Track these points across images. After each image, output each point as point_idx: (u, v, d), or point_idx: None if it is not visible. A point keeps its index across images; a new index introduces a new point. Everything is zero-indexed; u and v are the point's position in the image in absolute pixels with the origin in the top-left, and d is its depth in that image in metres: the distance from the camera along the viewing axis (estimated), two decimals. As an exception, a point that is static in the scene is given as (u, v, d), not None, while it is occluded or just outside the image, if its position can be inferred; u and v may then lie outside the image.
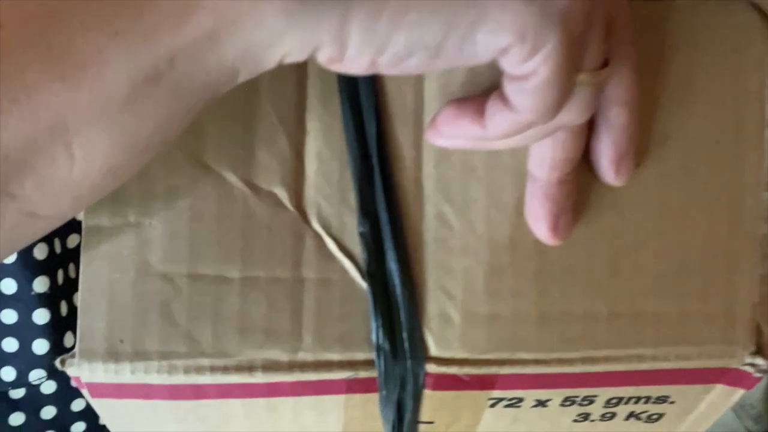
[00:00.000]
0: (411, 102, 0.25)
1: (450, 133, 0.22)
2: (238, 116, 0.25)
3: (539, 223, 0.24)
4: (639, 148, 0.24)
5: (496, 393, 0.27)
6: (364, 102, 0.25)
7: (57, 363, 0.24)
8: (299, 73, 0.25)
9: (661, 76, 0.25)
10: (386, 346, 0.25)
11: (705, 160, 0.25)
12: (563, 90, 0.18)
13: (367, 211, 0.25)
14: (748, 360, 0.26)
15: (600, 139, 0.23)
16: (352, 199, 0.25)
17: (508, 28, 0.17)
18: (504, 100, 0.19)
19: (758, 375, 0.26)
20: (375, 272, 0.25)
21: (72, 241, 0.42)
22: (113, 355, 0.24)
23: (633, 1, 0.24)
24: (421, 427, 0.29)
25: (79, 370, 0.24)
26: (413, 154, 0.25)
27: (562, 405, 0.28)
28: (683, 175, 0.25)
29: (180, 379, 0.24)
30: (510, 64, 0.18)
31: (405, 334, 0.25)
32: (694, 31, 0.25)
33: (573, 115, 0.20)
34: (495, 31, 0.17)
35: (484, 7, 0.17)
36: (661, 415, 0.29)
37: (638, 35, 0.24)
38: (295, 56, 0.18)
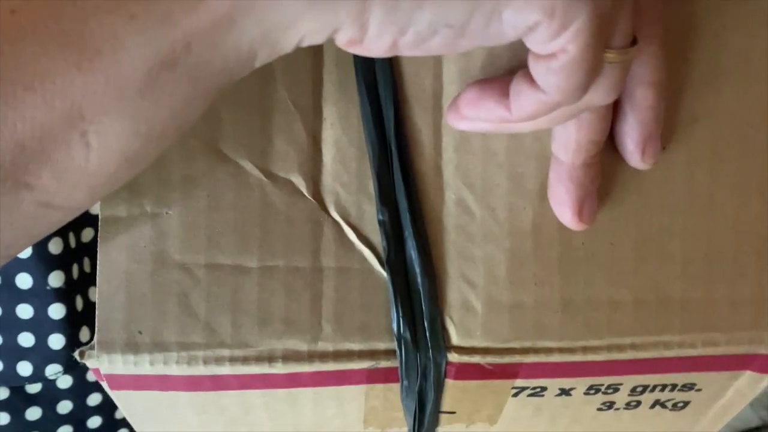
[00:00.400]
0: (430, 86, 0.24)
1: (472, 116, 0.22)
2: (254, 104, 0.24)
3: (563, 208, 0.23)
4: (666, 131, 0.24)
5: (520, 382, 0.26)
6: (382, 87, 0.24)
7: (76, 355, 0.23)
8: (315, 59, 0.24)
9: (690, 56, 0.24)
10: (407, 335, 0.24)
11: (734, 142, 0.24)
12: (592, 68, 0.18)
13: (386, 198, 0.24)
14: (779, 346, 0.25)
15: (626, 121, 0.22)
16: (371, 186, 0.25)
17: (537, 4, 0.16)
18: (530, 80, 0.19)
19: (788, 361, 0.26)
20: (395, 261, 0.24)
21: (86, 235, 0.42)
22: (132, 347, 0.24)
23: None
24: (443, 417, 0.28)
25: (98, 362, 0.24)
26: (432, 140, 0.25)
27: (587, 394, 0.27)
28: (711, 158, 0.24)
29: (199, 370, 0.24)
30: (537, 42, 0.17)
31: (426, 324, 0.25)
32: (723, 10, 0.24)
33: (600, 95, 0.20)
34: (522, 7, 0.16)
35: None
36: (687, 403, 0.29)
37: (666, 14, 0.24)
38: (314, 38, 0.18)
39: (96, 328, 0.24)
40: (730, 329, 0.25)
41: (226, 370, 0.24)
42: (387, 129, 0.24)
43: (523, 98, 0.19)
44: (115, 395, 0.26)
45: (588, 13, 0.17)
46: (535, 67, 0.18)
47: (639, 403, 0.29)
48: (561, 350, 0.25)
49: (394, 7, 0.17)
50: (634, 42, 0.20)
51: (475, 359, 0.25)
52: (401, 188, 0.24)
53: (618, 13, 0.18)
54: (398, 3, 0.17)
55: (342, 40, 0.18)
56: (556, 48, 0.17)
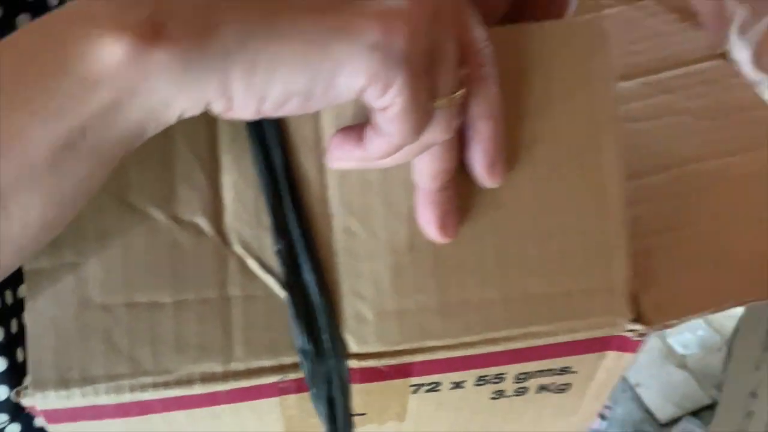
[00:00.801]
0: (311, 132, 0.28)
1: (341, 157, 0.25)
2: (158, 158, 0.28)
3: (429, 226, 0.27)
4: (511, 153, 0.28)
5: (415, 380, 0.30)
6: (270, 135, 0.28)
7: (12, 395, 0.26)
8: (209, 114, 0.28)
9: (524, 91, 0.29)
10: (309, 348, 0.28)
11: (569, 158, 0.29)
12: (420, 116, 0.22)
13: (281, 231, 0.28)
14: (629, 327, 0.30)
15: (472, 150, 0.27)
16: (268, 221, 0.28)
17: (361, 73, 0.20)
18: (376, 126, 0.23)
19: (638, 339, 0.30)
20: (293, 284, 0.28)
21: (23, 291, 0.44)
22: (63, 383, 0.27)
23: (492, 27, 0.28)
24: (357, 419, 0.32)
25: (34, 400, 0.27)
26: (318, 177, 0.28)
27: (477, 385, 0.31)
28: (552, 172, 0.29)
29: (126, 397, 0.27)
30: (370, 100, 0.21)
31: (326, 336, 0.28)
32: (548, 49, 0.29)
33: (438, 133, 0.24)
34: (351, 76, 0.21)
35: (338, 59, 0.20)
36: (568, 385, 0.33)
37: (500, 57, 0.28)
38: (193, 111, 0.22)
39: (28, 370, 0.27)
40: (586, 316, 0.29)
41: (150, 395, 0.27)
42: (277, 171, 0.28)
43: (374, 141, 0.23)
44: (53, 429, 0.28)
45: (405, 74, 0.21)
46: (376, 117, 0.23)
47: (526, 389, 0.33)
48: (444, 348, 0.29)
49: (250, 84, 0.20)
50: (463, 86, 0.24)
51: (372, 363, 0.29)
52: (294, 221, 0.28)
53: (438, 67, 0.22)
54: (252, 81, 0.20)
55: (216, 110, 0.22)
56: (386, 103, 0.21)
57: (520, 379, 0.32)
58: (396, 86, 0.21)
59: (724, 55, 0.41)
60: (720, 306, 0.31)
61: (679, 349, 1.47)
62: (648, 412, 1.47)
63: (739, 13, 0.70)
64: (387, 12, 0.21)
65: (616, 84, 0.39)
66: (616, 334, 0.30)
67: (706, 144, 0.37)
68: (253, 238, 0.28)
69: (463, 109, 0.25)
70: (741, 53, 0.74)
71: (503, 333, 0.29)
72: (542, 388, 0.33)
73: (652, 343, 1.51)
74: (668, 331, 1.50)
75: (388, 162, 0.25)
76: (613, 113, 0.29)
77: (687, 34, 0.43)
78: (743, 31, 0.72)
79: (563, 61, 0.29)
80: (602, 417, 1.46)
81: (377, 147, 0.24)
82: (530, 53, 0.29)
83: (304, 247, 0.28)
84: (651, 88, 0.40)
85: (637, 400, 1.48)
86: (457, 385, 0.31)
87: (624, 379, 1.52)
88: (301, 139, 0.28)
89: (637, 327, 0.30)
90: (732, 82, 0.40)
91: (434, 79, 0.22)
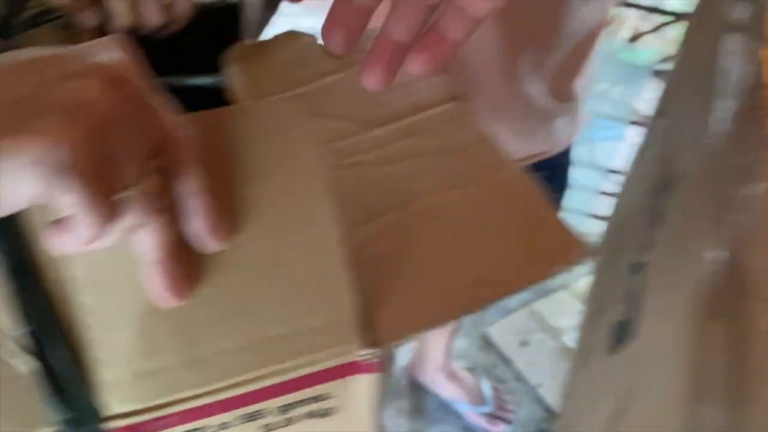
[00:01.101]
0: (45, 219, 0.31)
1: (59, 244, 0.28)
2: None
3: (158, 294, 0.31)
4: (235, 218, 0.32)
5: (179, 428, 0.34)
6: (7, 225, 0.31)
7: None
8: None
9: (240, 164, 0.33)
10: (69, 415, 0.31)
11: (288, 215, 0.33)
12: (102, 211, 0.25)
13: (30, 314, 0.31)
14: (360, 353, 0.34)
15: (188, 222, 0.30)
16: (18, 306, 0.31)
17: (28, 185, 0.24)
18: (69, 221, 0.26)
19: (375, 360, 0.35)
20: (48, 360, 0.31)
21: None
22: None
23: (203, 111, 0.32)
24: (139, 472, 0.35)
25: None
26: (59, 259, 0.32)
27: (243, 423, 0.35)
28: (275, 230, 0.33)
29: None
30: (51, 203, 0.25)
31: (83, 403, 0.31)
32: (257, 125, 0.33)
33: (137, 217, 0.27)
34: (21, 188, 0.24)
35: (6, 176, 0.23)
36: (332, 408, 0.37)
37: (212, 136, 0.32)
38: None
39: None
40: (321, 349, 0.34)
41: None
42: (19, 257, 0.31)
43: (76, 231, 0.27)
44: None
45: (75, 180, 0.24)
46: (68, 214, 0.26)
47: (293, 418, 0.37)
48: (196, 396, 0.33)
49: None
50: (157, 171, 0.28)
51: (132, 420, 0.32)
52: (42, 303, 0.31)
53: (117, 164, 0.26)
54: None
55: None
56: (66, 204, 0.25)
57: (284, 410, 0.36)
58: (70, 191, 0.24)
59: (458, 97, 0.47)
60: (442, 321, 0.37)
61: (574, 347, 1.56)
62: (549, 411, 1.55)
63: (531, 50, 0.78)
64: (52, 127, 0.24)
65: (371, 132, 0.45)
66: (351, 360, 0.35)
67: (438, 179, 0.43)
68: (6, 324, 0.31)
69: (166, 190, 0.29)
70: (534, 87, 0.82)
71: (250, 375, 0.33)
72: (309, 415, 0.37)
73: (549, 343, 1.60)
74: (562, 330, 1.60)
75: (103, 244, 0.29)
76: (322, 175, 0.34)
77: (431, 80, 0.49)
78: (535, 66, 0.80)
79: (271, 134, 0.33)
80: (507, 422, 1.53)
81: (81, 236, 0.27)
82: (242, 131, 0.33)
83: (53, 326, 0.31)
84: (397, 133, 0.45)
85: (539, 400, 1.56)
86: (224, 425, 0.35)
87: (525, 382, 1.60)
88: (38, 224, 0.31)
89: (368, 351, 0.35)
90: (464, 120, 0.46)
91: (114, 176, 0.26)
